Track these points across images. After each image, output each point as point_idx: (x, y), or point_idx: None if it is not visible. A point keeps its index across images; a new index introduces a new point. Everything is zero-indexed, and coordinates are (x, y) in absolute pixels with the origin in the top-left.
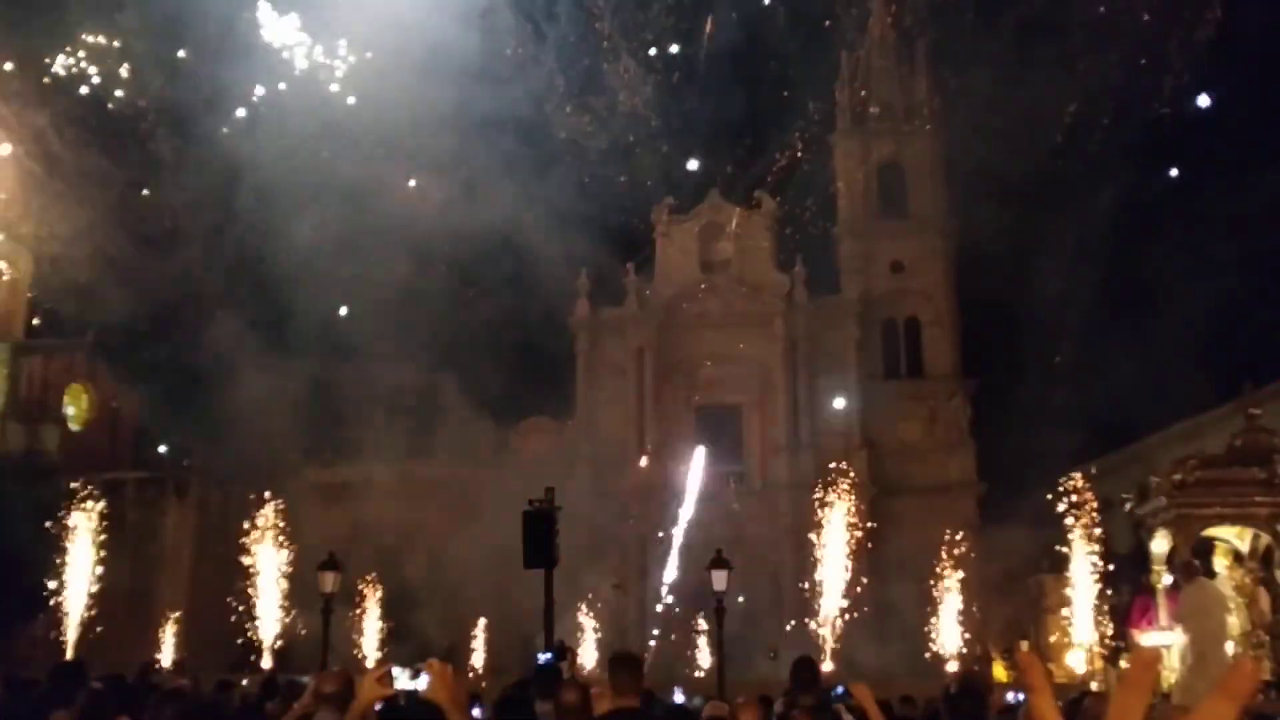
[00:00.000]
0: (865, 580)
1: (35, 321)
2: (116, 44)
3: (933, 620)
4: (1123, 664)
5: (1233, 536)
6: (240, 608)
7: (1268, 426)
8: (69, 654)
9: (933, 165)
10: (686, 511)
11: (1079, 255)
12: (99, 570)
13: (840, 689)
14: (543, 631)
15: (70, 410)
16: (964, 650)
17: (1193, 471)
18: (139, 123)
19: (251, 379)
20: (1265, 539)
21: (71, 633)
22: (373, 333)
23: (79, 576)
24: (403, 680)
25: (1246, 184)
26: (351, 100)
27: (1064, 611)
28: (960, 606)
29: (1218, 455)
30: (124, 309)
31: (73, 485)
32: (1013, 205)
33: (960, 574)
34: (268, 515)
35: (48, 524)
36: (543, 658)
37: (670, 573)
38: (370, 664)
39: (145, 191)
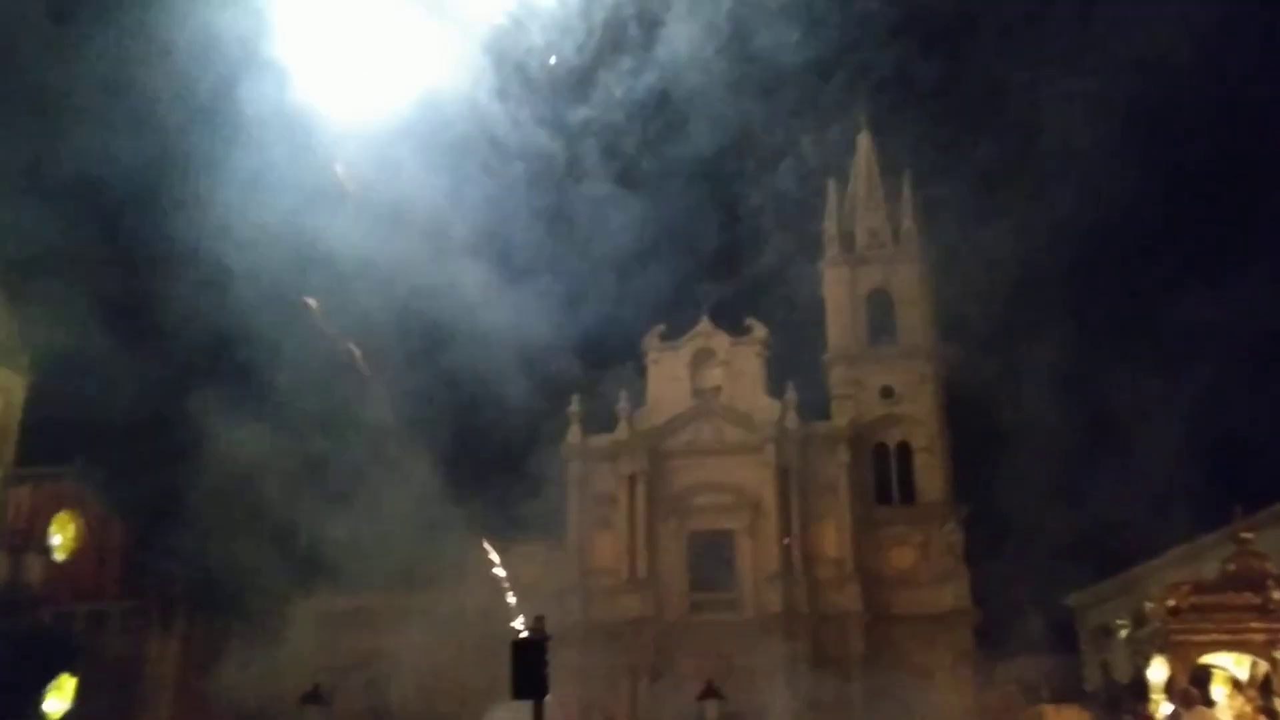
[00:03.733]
0: (860, 711)
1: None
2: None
3: None
4: None
5: (1230, 663)
6: None
7: (1260, 551)
8: None
9: (920, 292)
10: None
11: (1068, 379)
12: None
13: None
14: None
15: (57, 539)
16: None
17: (1187, 597)
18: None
19: (242, 506)
20: (1264, 666)
21: None
22: (363, 461)
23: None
24: None
25: (1226, 300)
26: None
27: None
28: None
29: (1211, 581)
30: (117, 432)
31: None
32: (1000, 330)
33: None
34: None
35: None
36: None
37: (661, 703)
38: None
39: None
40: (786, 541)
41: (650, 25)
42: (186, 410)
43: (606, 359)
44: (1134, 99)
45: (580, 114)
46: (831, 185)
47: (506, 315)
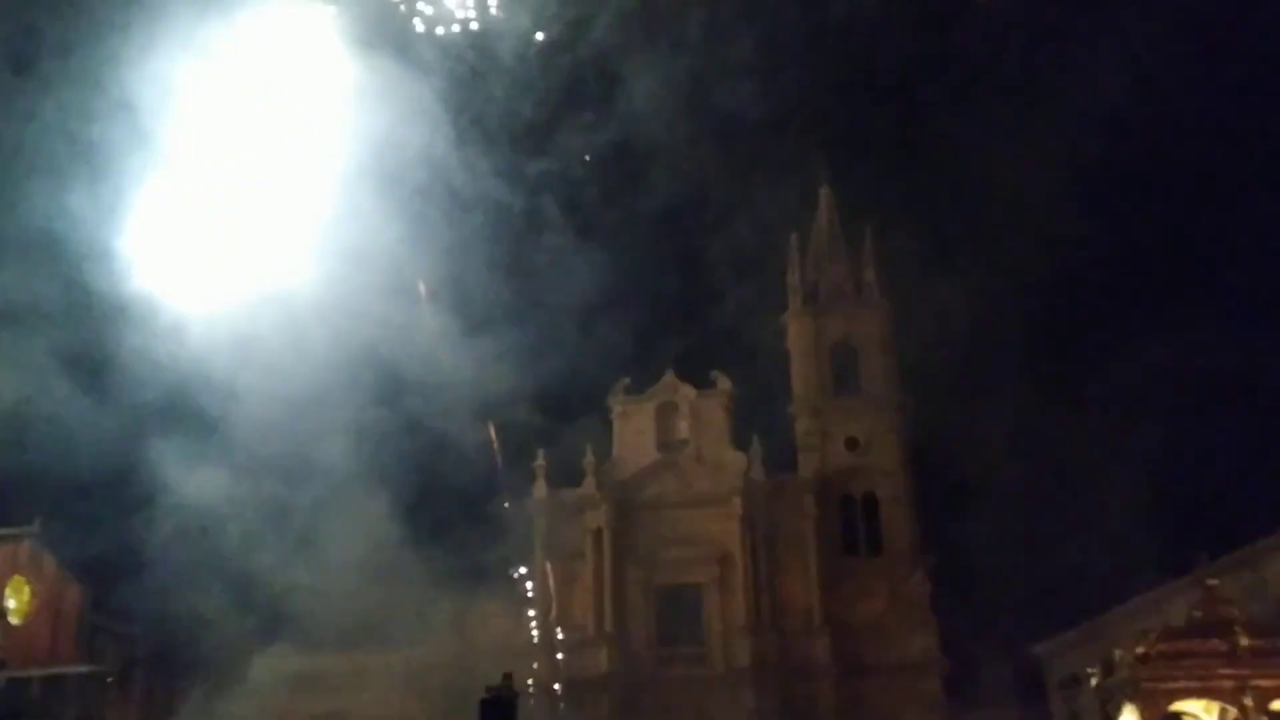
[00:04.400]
0: None
1: None
2: None
3: None
4: None
5: (1200, 710)
6: None
7: (1226, 597)
8: None
9: (884, 343)
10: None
11: (1031, 429)
12: None
13: None
14: None
15: (11, 603)
16: None
17: (1155, 644)
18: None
19: (200, 561)
20: (1233, 712)
21: None
22: (323, 512)
23: None
24: None
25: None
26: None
27: None
28: None
29: (1179, 627)
30: (75, 489)
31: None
32: (964, 381)
33: None
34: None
35: None
36: None
37: None
38: None
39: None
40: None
41: (610, 81)
42: (144, 464)
43: (571, 410)
44: (1085, 153)
45: (540, 166)
46: (794, 238)
47: (468, 364)
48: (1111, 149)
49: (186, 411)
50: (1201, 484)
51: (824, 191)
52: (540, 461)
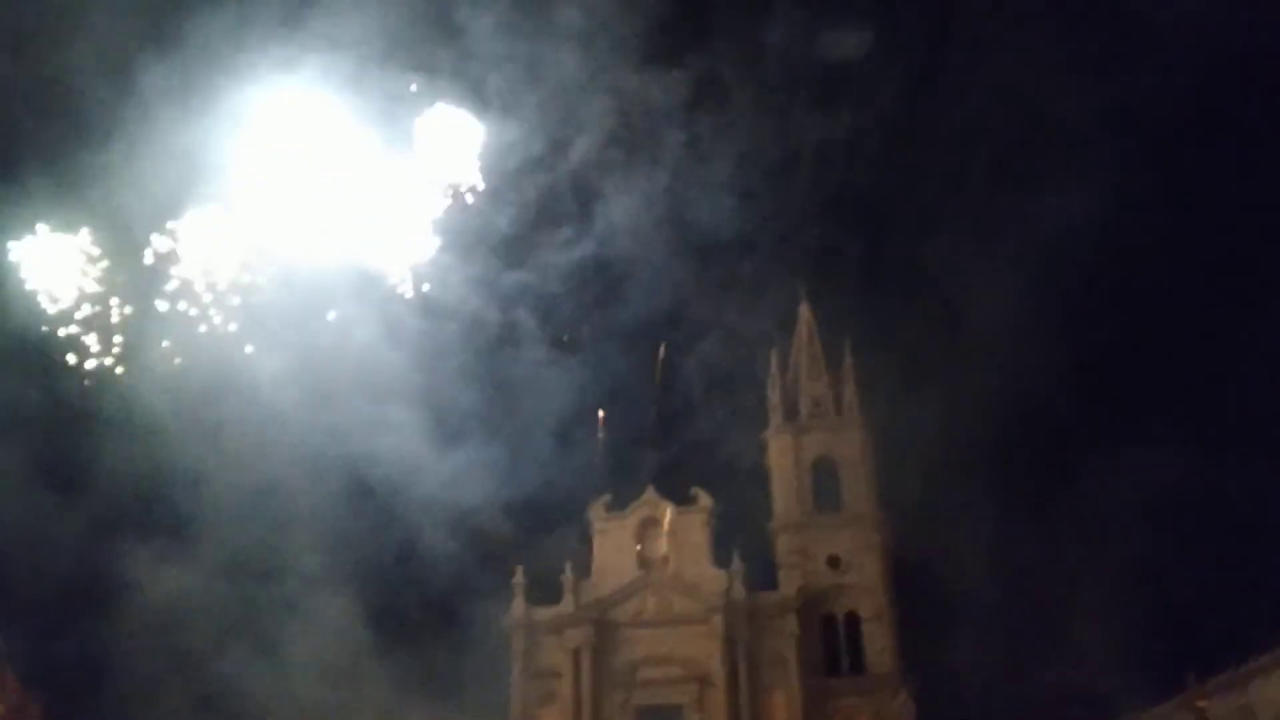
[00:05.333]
0: None
1: None
2: None
3: None
4: None
5: None
6: None
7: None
8: None
9: (865, 460)
10: None
11: (1015, 548)
12: None
13: None
14: None
15: None
16: None
17: None
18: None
19: (167, 672)
20: None
21: None
22: (293, 625)
23: None
24: None
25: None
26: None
27: None
28: None
29: None
30: (38, 600)
31: None
32: (945, 498)
33: None
34: None
35: None
36: None
37: None
38: None
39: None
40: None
41: (589, 198)
42: (109, 568)
43: (550, 520)
44: (1054, 273)
45: (516, 278)
46: (774, 354)
47: (444, 472)
48: (1080, 271)
49: (153, 513)
50: (1183, 602)
51: (803, 309)
52: (518, 579)
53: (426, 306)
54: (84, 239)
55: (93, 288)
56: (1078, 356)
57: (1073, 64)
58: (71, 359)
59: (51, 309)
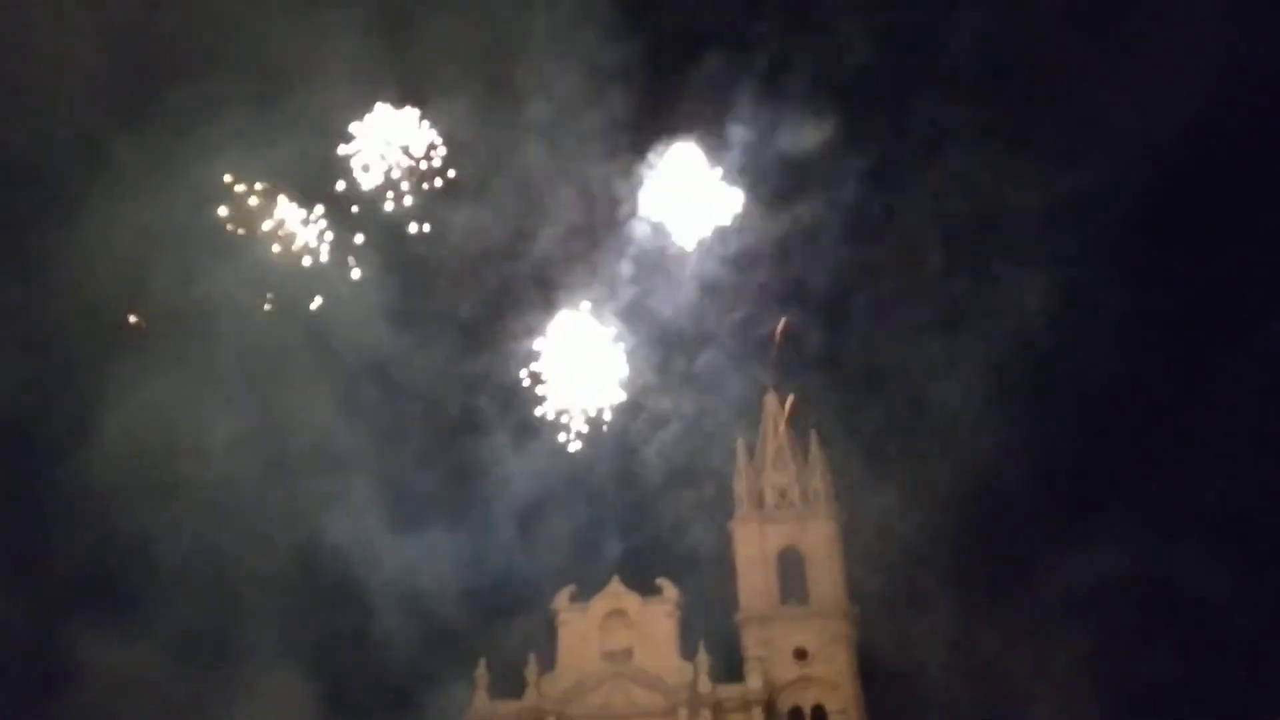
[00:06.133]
0: None
1: None
2: None
3: None
4: None
5: None
6: None
7: None
8: None
9: (831, 551)
10: None
11: (982, 639)
12: None
13: None
14: None
15: None
16: None
17: None
18: None
19: None
20: None
21: None
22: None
23: None
24: None
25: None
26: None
27: None
28: None
29: None
30: None
31: None
32: (913, 589)
33: None
34: None
35: None
36: None
37: None
38: None
39: None
40: None
41: (550, 286)
42: (57, 650)
43: (512, 610)
44: (1007, 369)
45: (481, 364)
46: (740, 444)
47: (405, 558)
48: (1037, 359)
49: (102, 591)
50: (1144, 689)
51: (769, 399)
52: (481, 671)
53: (387, 388)
54: None
55: None
56: (1035, 446)
57: (1028, 155)
58: None
59: None
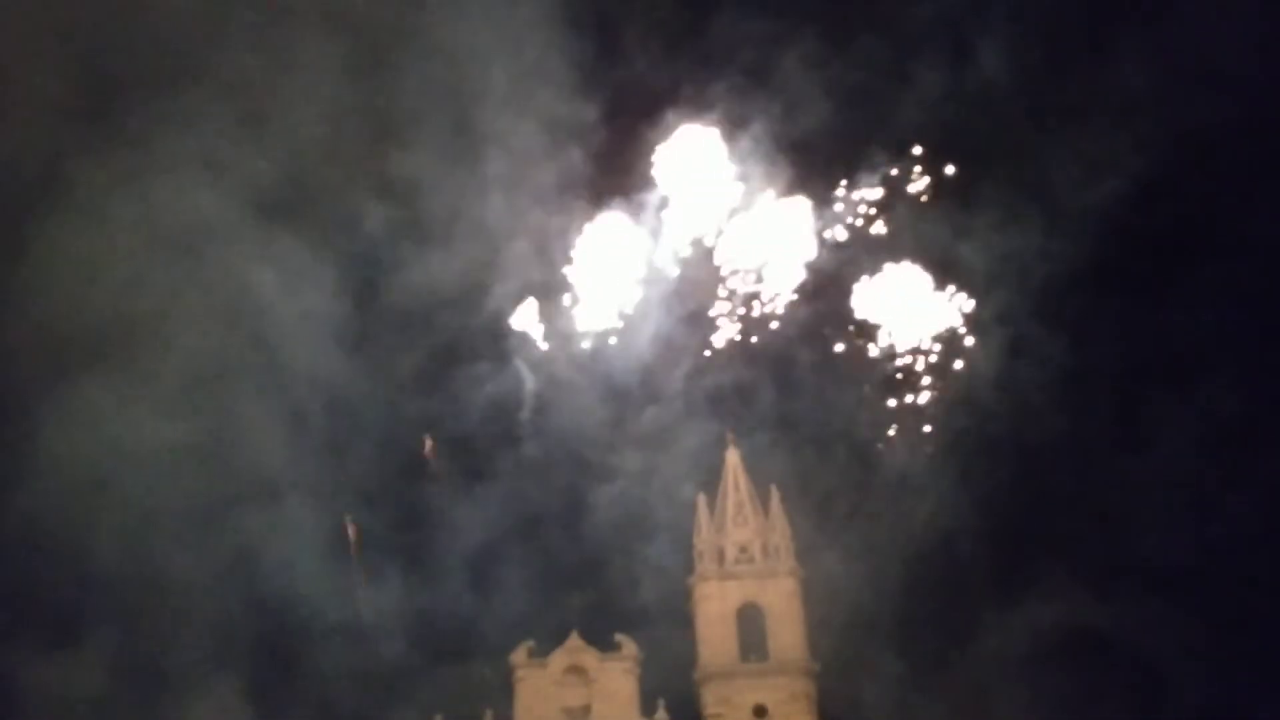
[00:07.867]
0: None
1: None
2: None
3: None
4: None
5: None
6: None
7: None
8: None
9: (792, 607)
10: None
11: (944, 697)
12: None
13: None
14: None
15: None
16: None
17: None
18: None
19: None
20: None
21: None
22: None
23: None
24: None
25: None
26: None
27: None
28: None
29: None
30: None
31: None
32: (873, 646)
33: None
34: None
35: None
36: None
37: None
38: None
39: None
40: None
41: (507, 336)
42: None
43: (466, 659)
44: (950, 422)
45: (434, 410)
46: (700, 499)
47: (357, 610)
48: (981, 417)
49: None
50: None
51: (730, 454)
52: None
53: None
54: None
55: None
56: (985, 504)
57: (972, 214)
58: None
59: None
